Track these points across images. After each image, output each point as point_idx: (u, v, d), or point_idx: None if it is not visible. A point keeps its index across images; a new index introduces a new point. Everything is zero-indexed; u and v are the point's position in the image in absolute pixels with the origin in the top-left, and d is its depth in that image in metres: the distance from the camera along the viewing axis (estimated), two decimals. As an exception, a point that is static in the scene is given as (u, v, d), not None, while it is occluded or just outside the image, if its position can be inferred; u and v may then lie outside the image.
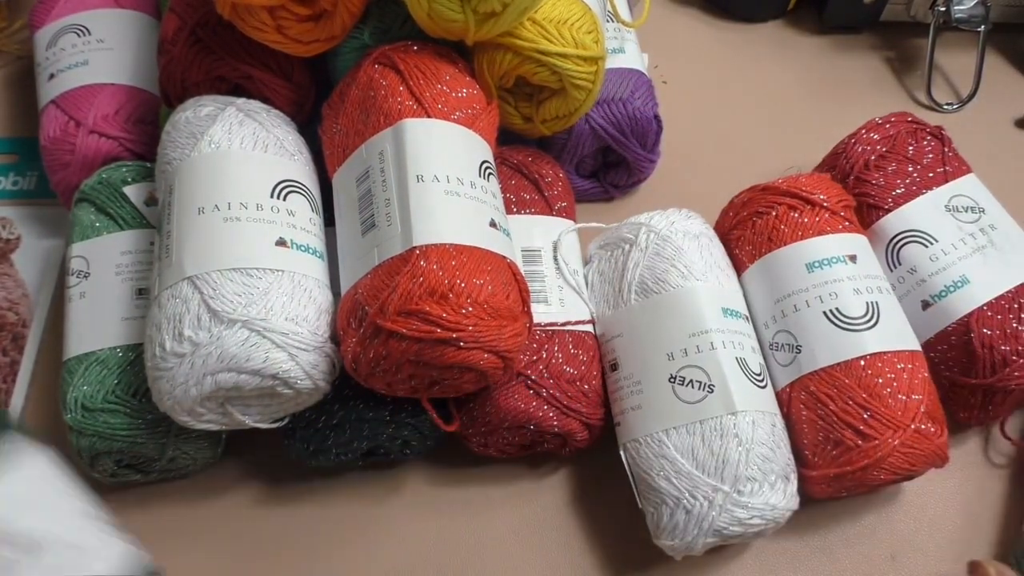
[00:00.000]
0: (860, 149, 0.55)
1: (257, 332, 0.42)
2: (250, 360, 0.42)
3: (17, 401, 0.55)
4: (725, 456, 0.44)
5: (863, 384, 0.46)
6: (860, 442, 0.45)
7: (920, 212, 0.53)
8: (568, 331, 0.50)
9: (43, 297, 0.59)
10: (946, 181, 0.54)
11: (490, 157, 0.49)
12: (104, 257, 0.51)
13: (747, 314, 0.51)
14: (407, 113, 0.47)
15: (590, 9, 0.52)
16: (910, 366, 0.47)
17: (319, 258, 0.47)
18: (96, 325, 0.49)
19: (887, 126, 0.55)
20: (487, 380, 0.46)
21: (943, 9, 0.68)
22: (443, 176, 0.45)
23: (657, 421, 0.46)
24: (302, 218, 0.47)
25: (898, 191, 0.54)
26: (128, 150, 0.56)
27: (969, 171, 0.55)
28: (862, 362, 0.47)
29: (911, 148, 0.55)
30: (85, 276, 0.50)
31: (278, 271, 0.44)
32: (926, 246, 0.52)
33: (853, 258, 0.50)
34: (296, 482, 0.52)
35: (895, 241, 0.53)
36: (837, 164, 0.56)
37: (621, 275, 0.51)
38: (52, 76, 0.59)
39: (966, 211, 0.52)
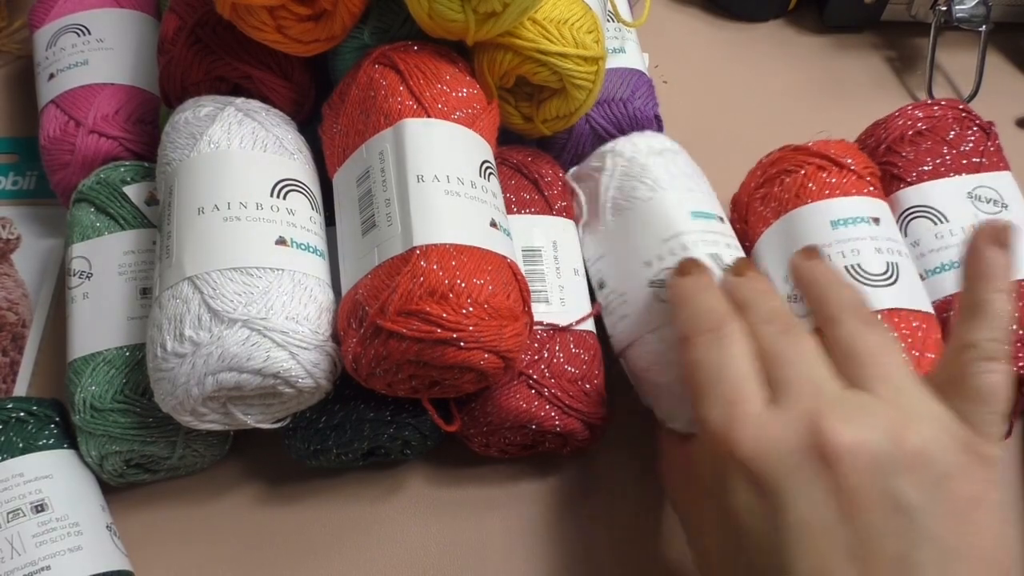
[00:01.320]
0: (900, 122, 0.55)
1: (258, 331, 0.42)
2: (251, 359, 0.42)
3: (17, 401, 0.55)
4: None
5: None
6: None
7: (940, 192, 0.53)
8: (569, 330, 0.50)
9: (43, 297, 0.59)
10: (978, 171, 0.53)
11: (491, 157, 0.49)
12: (106, 257, 0.51)
13: (721, 215, 0.51)
14: (407, 113, 0.47)
15: (591, 9, 0.52)
16: (924, 326, 0.47)
17: (320, 256, 0.47)
18: (101, 325, 0.49)
19: (935, 107, 0.55)
20: (488, 380, 0.46)
21: (944, 8, 0.67)
22: (443, 176, 0.45)
23: (644, 324, 0.48)
24: (302, 216, 0.47)
25: (925, 168, 0.54)
26: (128, 150, 0.56)
27: (1007, 169, 0.55)
28: (879, 316, 0.47)
29: (952, 133, 0.54)
30: (88, 276, 0.50)
31: (278, 270, 0.44)
32: (935, 223, 0.52)
33: (876, 220, 0.51)
34: (296, 482, 0.52)
35: (907, 213, 0.53)
36: (874, 133, 0.57)
37: (596, 201, 0.53)
38: (52, 76, 0.58)
39: (988, 202, 0.52)
